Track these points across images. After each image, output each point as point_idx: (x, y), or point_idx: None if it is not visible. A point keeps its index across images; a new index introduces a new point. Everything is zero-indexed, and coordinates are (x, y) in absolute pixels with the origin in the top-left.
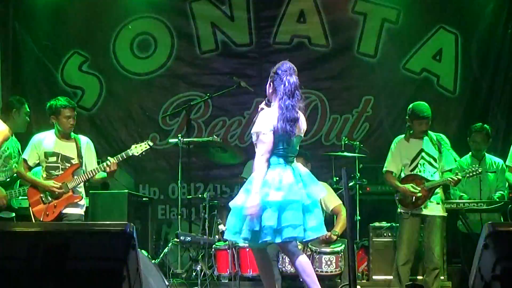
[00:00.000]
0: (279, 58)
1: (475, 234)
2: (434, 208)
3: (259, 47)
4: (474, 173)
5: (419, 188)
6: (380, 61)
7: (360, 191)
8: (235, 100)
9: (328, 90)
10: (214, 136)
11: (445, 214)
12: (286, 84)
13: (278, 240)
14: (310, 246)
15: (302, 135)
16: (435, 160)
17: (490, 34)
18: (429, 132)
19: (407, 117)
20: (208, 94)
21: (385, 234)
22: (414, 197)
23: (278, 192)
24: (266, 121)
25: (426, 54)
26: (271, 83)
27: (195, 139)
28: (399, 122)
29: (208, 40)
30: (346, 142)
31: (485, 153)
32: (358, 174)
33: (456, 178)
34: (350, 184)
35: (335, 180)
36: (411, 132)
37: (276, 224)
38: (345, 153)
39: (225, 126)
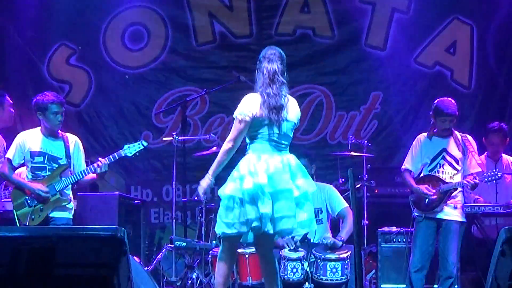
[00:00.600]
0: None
1: (491, 240)
2: (451, 213)
3: (259, 39)
4: (493, 177)
5: (433, 191)
6: (389, 54)
7: (368, 194)
8: (234, 96)
9: (334, 85)
10: (212, 135)
11: (464, 220)
12: (265, 71)
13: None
14: (313, 252)
15: (296, 121)
16: (457, 161)
17: (507, 25)
18: (455, 131)
19: (430, 112)
20: (205, 89)
21: (394, 240)
22: (427, 200)
23: (264, 177)
24: (245, 108)
25: (439, 46)
26: (257, 70)
27: (191, 138)
28: (410, 119)
29: (205, 31)
30: (353, 141)
31: (502, 154)
32: (366, 175)
33: (472, 182)
34: (357, 186)
35: (341, 182)
36: (434, 130)
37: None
38: (352, 153)
39: (223, 124)
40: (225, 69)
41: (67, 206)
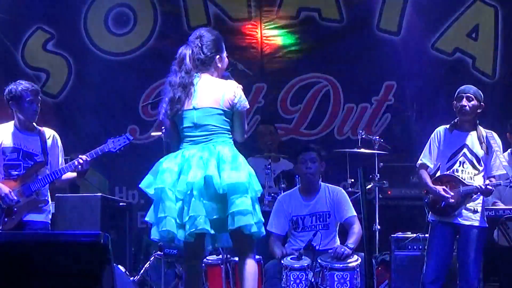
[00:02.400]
0: (283, 36)
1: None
2: (471, 217)
3: (259, 22)
4: None
5: (452, 193)
6: (404, 39)
7: (380, 195)
8: None
9: (342, 75)
10: None
11: (485, 225)
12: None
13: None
14: (319, 261)
15: (218, 107)
16: (478, 160)
17: None
18: (480, 127)
19: (454, 101)
20: None
21: (409, 247)
22: (443, 203)
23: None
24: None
25: (459, 31)
26: None
27: None
28: (426, 113)
29: (198, 13)
30: (364, 136)
31: None
32: (378, 175)
33: (485, 188)
34: (368, 186)
35: (350, 182)
36: (457, 122)
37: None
38: (362, 150)
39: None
40: None
41: (44, 208)
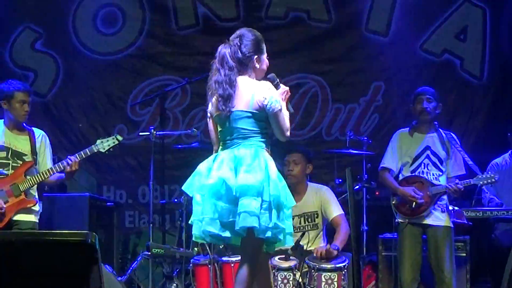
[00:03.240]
0: (272, 36)
1: (505, 247)
2: (439, 217)
3: (248, 22)
4: (488, 181)
5: (421, 193)
6: (392, 40)
7: (368, 196)
8: None
9: (330, 75)
10: (193, 129)
11: (453, 225)
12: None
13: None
14: (307, 261)
15: (247, 109)
16: (441, 161)
17: None
18: (439, 128)
19: (411, 105)
20: (186, 79)
21: (397, 248)
22: (414, 203)
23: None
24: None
25: (448, 32)
26: None
27: (171, 133)
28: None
29: (186, 13)
30: (352, 137)
31: None
32: (366, 176)
33: (455, 187)
34: (356, 187)
35: (337, 182)
36: (416, 125)
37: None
38: (350, 150)
39: (206, 117)
40: (209, 56)
41: (32, 208)
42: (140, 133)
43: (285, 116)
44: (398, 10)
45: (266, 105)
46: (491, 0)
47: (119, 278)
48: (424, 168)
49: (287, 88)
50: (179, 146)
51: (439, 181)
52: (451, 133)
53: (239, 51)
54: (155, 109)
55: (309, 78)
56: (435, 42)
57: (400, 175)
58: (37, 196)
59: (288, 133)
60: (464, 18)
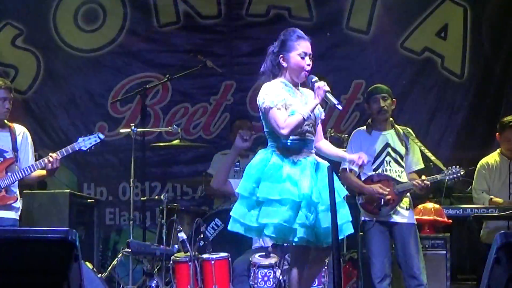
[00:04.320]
0: (252, 33)
1: (486, 246)
2: (404, 214)
3: (229, 19)
4: (454, 175)
5: (388, 189)
6: (373, 38)
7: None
8: (200, 83)
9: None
10: (174, 126)
11: (415, 222)
12: None
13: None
14: (287, 258)
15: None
16: (401, 157)
17: (505, 7)
18: (396, 125)
19: (365, 104)
20: (167, 76)
21: (365, 247)
22: (382, 201)
23: None
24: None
25: (428, 30)
26: None
27: (151, 130)
28: (395, 111)
29: (167, 10)
30: (332, 134)
31: None
32: None
33: (422, 184)
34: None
35: None
36: (372, 123)
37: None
38: None
39: (187, 114)
40: (189, 53)
41: (13, 205)
42: (121, 130)
43: (278, 113)
44: (379, 8)
45: (259, 103)
46: None
47: (100, 276)
48: (387, 166)
49: (322, 83)
50: (160, 143)
51: (402, 178)
52: (408, 128)
53: (272, 53)
54: (136, 106)
55: None
56: (416, 40)
57: (363, 175)
58: (18, 193)
59: (282, 131)
60: (445, 16)
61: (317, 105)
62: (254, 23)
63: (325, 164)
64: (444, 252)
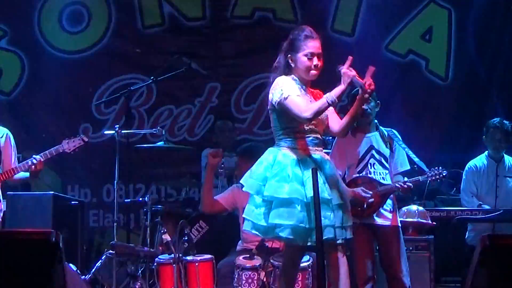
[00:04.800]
0: (238, 35)
1: (471, 248)
2: (388, 217)
3: (213, 21)
4: (436, 177)
5: (371, 192)
6: (358, 40)
7: None
8: (184, 85)
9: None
10: (159, 128)
11: (399, 224)
12: None
13: None
14: (272, 260)
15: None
16: (386, 159)
17: (490, 10)
18: (380, 127)
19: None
20: (152, 78)
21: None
22: (365, 204)
23: None
24: None
25: (413, 32)
26: None
27: (136, 131)
28: (379, 114)
29: (152, 12)
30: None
31: (504, 154)
32: None
33: (405, 186)
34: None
35: None
36: (357, 125)
37: None
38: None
39: (171, 116)
40: (174, 55)
41: None
42: (105, 132)
43: (298, 99)
44: (363, 10)
45: (272, 97)
46: (456, 1)
47: (83, 277)
48: (371, 168)
49: (347, 69)
50: (144, 145)
51: (386, 180)
52: (392, 130)
53: (283, 51)
54: (120, 107)
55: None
56: (400, 43)
57: (347, 177)
58: (0, 195)
59: (305, 114)
60: (429, 18)
61: (343, 90)
62: (239, 25)
63: (329, 160)
64: (428, 254)
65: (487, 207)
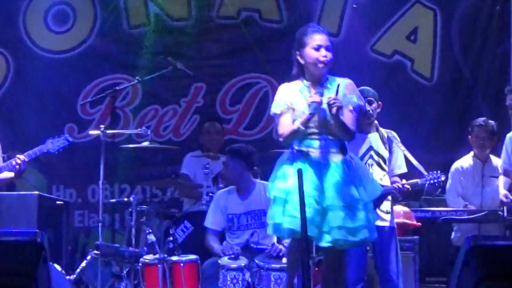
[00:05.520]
0: (223, 35)
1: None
2: (384, 218)
3: (199, 22)
4: (434, 180)
5: None
6: (344, 41)
7: None
8: (170, 85)
9: (281, 75)
10: (144, 128)
11: (395, 226)
12: None
13: None
14: (256, 261)
15: None
16: (384, 161)
17: (475, 11)
18: (380, 128)
19: None
20: (137, 78)
21: None
22: None
23: None
24: None
25: (398, 33)
26: None
27: (121, 131)
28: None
29: (138, 12)
30: None
31: (490, 155)
32: None
33: (402, 188)
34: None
35: None
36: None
37: None
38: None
39: (157, 116)
40: (160, 55)
41: None
42: (90, 132)
43: (279, 121)
44: (349, 11)
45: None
46: (442, 1)
47: (68, 278)
48: (369, 169)
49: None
50: (130, 145)
51: (383, 181)
52: (392, 132)
53: (293, 55)
54: (106, 108)
55: (260, 78)
56: (385, 43)
57: None
58: None
59: (280, 139)
60: (414, 19)
61: (308, 119)
62: (225, 26)
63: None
64: (413, 254)
65: (472, 207)
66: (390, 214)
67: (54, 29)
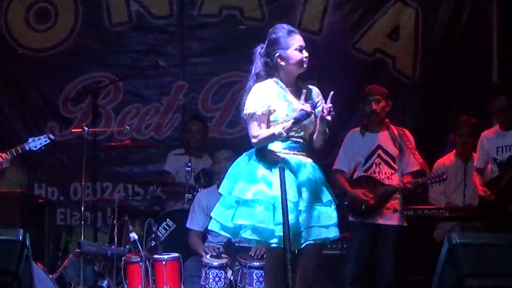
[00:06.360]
0: (205, 33)
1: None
2: (390, 217)
3: (181, 19)
4: (437, 179)
5: (371, 195)
6: (326, 39)
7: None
8: (152, 83)
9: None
10: (126, 126)
11: (403, 224)
12: None
13: None
14: (239, 259)
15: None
16: (393, 160)
17: (456, 9)
18: (391, 125)
19: (360, 104)
20: (119, 76)
21: (329, 246)
22: (364, 206)
23: None
24: None
25: (380, 31)
26: None
27: (103, 130)
28: (347, 112)
29: (119, 10)
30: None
31: (473, 153)
32: None
33: (404, 187)
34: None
35: None
36: (367, 124)
37: None
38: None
39: (139, 115)
40: (141, 53)
41: None
42: (72, 130)
43: (254, 123)
44: (331, 9)
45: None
46: (424, 0)
47: (50, 276)
48: (376, 168)
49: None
50: (112, 143)
51: (392, 179)
52: (404, 129)
53: (264, 55)
54: (87, 106)
55: (241, 76)
56: (367, 42)
57: (356, 175)
58: None
59: (253, 140)
60: (396, 17)
61: (290, 127)
62: (207, 24)
63: (309, 162)
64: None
65: (455, 205)
66: (398, 213)
67: (36, 27)
